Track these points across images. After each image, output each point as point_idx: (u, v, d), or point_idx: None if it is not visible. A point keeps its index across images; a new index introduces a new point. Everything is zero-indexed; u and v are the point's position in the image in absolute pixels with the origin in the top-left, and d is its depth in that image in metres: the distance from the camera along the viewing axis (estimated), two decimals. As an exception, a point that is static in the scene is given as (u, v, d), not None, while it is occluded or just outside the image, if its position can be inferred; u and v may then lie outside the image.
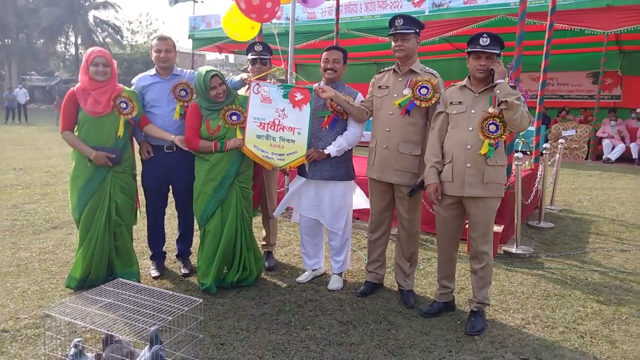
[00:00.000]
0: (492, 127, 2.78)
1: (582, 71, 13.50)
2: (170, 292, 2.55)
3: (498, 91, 2.74)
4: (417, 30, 3.10)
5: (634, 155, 10.89)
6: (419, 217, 3.33)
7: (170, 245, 3.99)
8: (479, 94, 2.86)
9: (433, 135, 3.00)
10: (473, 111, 2.84)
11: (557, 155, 6.04)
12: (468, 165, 2.83)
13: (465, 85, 2.93)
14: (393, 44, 3.14)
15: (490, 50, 2.76)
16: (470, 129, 2.83)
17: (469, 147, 2.83)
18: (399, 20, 3.09)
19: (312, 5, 4.17)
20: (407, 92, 3.10)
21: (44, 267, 3.72)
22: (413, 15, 3.17)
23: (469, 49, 2.86)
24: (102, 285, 2.60)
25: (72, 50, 36.89)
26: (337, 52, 3.35)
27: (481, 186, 2.83)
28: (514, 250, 4.32)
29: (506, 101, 2.70)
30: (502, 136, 2.78)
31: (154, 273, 3.63)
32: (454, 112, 2.90)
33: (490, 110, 2.79)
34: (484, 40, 2.77)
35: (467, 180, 2.84)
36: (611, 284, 3.68)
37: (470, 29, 9.80)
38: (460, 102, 2.89)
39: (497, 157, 2.83)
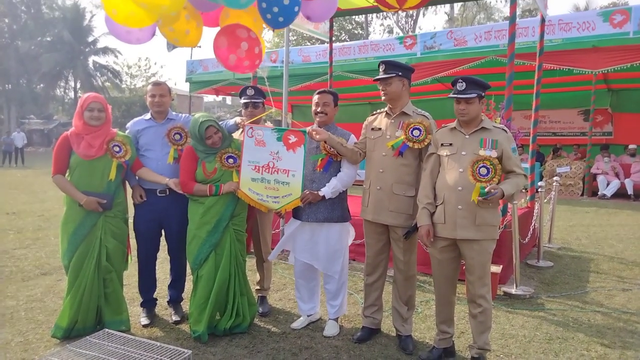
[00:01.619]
0: (483, 170, 2.75)
1: (573, 109, 13.74)
2: (158, 344, 2.46)
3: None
4: (401, 74, 3.13)
5: (629, 191, 10.91)
6: (415, 258, 3.27)
7: (162, 290, 3.88)
8: (469, 136, 2.87)
9: (425, 177, 2.99)
10: (463, 152, 2.84)
11: (553, 193, 6.03)
12: (459, 207, 2.80)
13: (455, 127, 2.94)
14: (379, 88, 3.20)
15: (466, 96, 2.79)
16: (461, 170, 2.81)
17: (460, 188, 2.80)
18: (381, 66, 3.16)
19: (317, 21, 4.25)
20: (399, 133, 3.11)
21: (30, 317, 3.60)
22: (397, 60, 3.24)
23: (450, 94, 2.91)
24: (87, 337, 2.51)
25: (72, 94, 37.46)
26: (327, 96, 3.39)
27: (474, 228, 2.79)
28: (513, 291, 4.23)
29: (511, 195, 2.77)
30: (494, 179, 2.75)
31: (144, 321, 3.51)
32: (445, 153, 2.90)
33: (481, 152, 2.78)
34: (460, 86, 2.83)
35: (458, 222, 2.80)
36: (615, 326, 3.58)
37: (461, 70, 10.03)
38: (450, 144, 2.89)
39: (491, 200, 2.79)
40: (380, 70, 3.16)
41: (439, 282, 3.02)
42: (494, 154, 2.76)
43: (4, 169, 18.45)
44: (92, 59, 36.62)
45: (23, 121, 35.70)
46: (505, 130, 2.87)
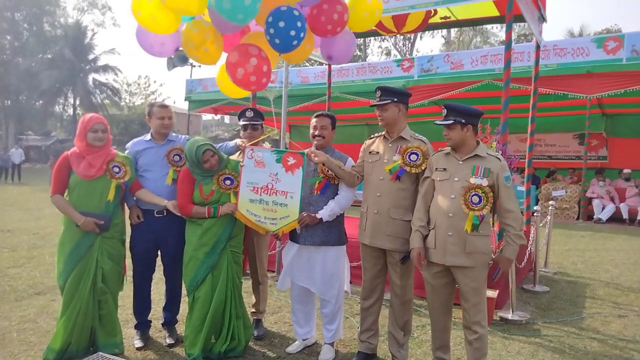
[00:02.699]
0: (475, 199, 2.76)
1: (568, 132, 13.89)
2: (153, 368, 2.43)
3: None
4: (396, 99, 3.17)
5: (625, 216, 10.96)
6: (412, 283, 3.27)
7: (156, 312, 3.85)
8: (462, 162, 2.88)
9: (419, 200, 3.01)
10: (456, 179, 2.85)
11: (549, 216, 6.06)
12: (450, 233, 2.82)
13: (449, 153, 2.96)
14: (377, 113, 3.26)
15: (445, 122, 2.85)
16: (453, 197, 2.82)
17: (450, 215, 2.82)
18: (378, 92, 3.22)
19: (337, 62, 4.34)
20: (397, 158, 3.14)
21: (22, 338, 3.56)
22: (393, 86, 3.28)
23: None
24: (80, 360, 2.48)
25: (70, 111, 37.57)
26: (325, 119, 3.42)
27: (464, 255, 2.80)
28: (510, 316, 4.22)
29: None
30: (486, 207, 2.75)
31: (138, 344, 3.48)
32: (438, 178, 2.93)
33: (472, 181, 2.79)
34: (443, 112, 2.90)
35: (448, 248, 2.82)
36: (611, 353, 3.57)
37: (457, 93, 10.18)
38: (444, 169, 2.92)
39: (481, 227, 2.80)
40: (377, 96, 3.21)
41: (434, 307, 3.01)
42: (485, 182, 2.77)
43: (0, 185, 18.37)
44: (92, 76, 36.87)
45: (21, 137, 35.74)
46: (499, 159, 2.87)
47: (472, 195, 2.76)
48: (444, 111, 2.88)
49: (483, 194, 2.75)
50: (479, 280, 2.84)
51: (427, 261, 2.95)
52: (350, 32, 4.07)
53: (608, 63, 9.31)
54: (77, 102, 36.54)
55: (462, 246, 2.79)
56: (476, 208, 2.75)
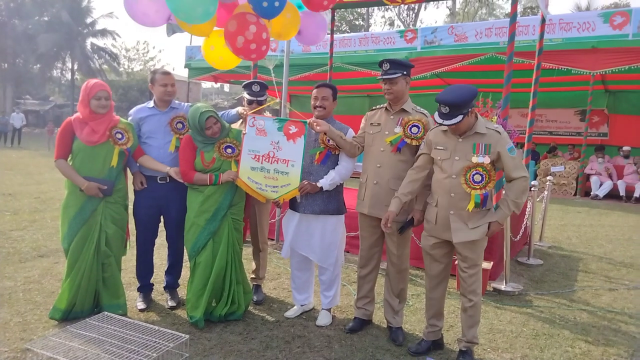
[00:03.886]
0: (477, 177, 2.74)
1: (570, 109, 13.82)
2: (156, 328, 2.52)
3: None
4: (405, 72, 3.17)
5: (622, 193, 11.04)
6: (408, 252, 3.34)
7: (158, 276, 3.94)
8: (462, 139, 2.84)
9: (409, 172, 3.04)
10: (457, 158, 2.82)
11: (546, 192, 6.12)
12: (451, 212, 2.85)
13: (447, 130, 2.91)
14: (383, 86, 3.22)
15: (449, 122, 2.71)
16: (454, 176, 2.82)
17: (452, 194, 2.83)
18: (385, 65, 3.16)
19: (308, 43, 4.26)
20: (398, 130, 3.16)
21: (28, 298, 3.66)
22: (399, 58, 3.24)
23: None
24: (87, 319, 2.57)
25: (68, 76, 37.12)
26: (326, 90, 3.42)
27: (465, 231, 2.83)
28: (503, 287, 4.32)
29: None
30: (489, 185, 2.74)
31: (141, 305, 3.58)
32: (439, 157, 2.90)
33: (474, 159, 2.76)
34: (445, 109, 2.74)
35: (452, 226, 2.86)
36: (599, 324, 3.68)
37: (460, 65, 10.08)
38: (444, 148, 2.88)
39: (486, 204, 2.83)
40: (384, 68, 3.17)
41: (431, 277, 3.09)
42: (487, 160, 2.74)
43: (-1, 149, 18.34)
44: (90, 40, 36.23)
45: (19, 101, 35.42)
46: (499, 132, 2.82)
47: (474, 174, 2.74)
48: (446, 109, 2.70)
49: (485, 172, 2.73)
50: (478, 252, 2.90)
51: (426, 234, 3.01)
52: (322, 15, 3.99)
53: (614, 38, 9.19)
54: (75, 67, 36.07)
55: (465, 223, 2.83)
56: (478, 187, 2.74)
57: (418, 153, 3.06)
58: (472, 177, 2.75)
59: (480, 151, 2.76)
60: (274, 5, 3.19)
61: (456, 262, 3.06)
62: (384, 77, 3.16)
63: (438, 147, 2.91)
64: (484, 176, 2.74)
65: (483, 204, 2.78)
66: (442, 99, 2.73)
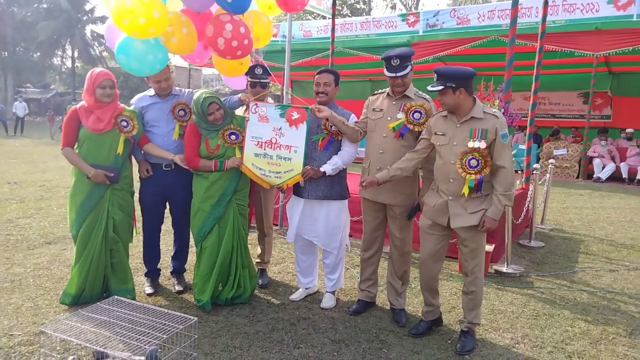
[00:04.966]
0: (473, 162, 2.77)
1: (573, 91, 13.75)
2: (165, 310, 2.58)
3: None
4: (411, 62, 3.17)
5: (624, 175, 11.04)
6: (411, 236, 3.39)
7: (165, 261, 4.01)
8: (460, 124, 2.86)
9: (408, 153, 3.08)
10: (455, 143, 2.85)
11: (548, 175, 6.14)
12: (450, 198, 2.89)
13: (447, 115, 2.94)
14: (393, 81, 3.19)
15: (435, 89, 2.82)
16: (452, 162, 2.85)
17: (451, 180, 2.87)
18: (395, 61, 3.12)
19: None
20: (400, 116, 3.18)
21: (38, 283, 3.74)
22: (403, 49, 3.19)
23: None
24: (98, 303, 2.64)
25: (69, 63, 36.99)
26: (329, 76, 3.44)
27: (466, 216, 2.87)
28: (504, 269, 4.38)
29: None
30: (484, 170, 2.77)
31: (149, 290, 3.65)
32: (438, 143, 2.93)
33: (470, 144, 2.79)
34: (434, 77, 2.85)
35: (451, 212, 2.90)
36: (599, 304, 3.74)
37: (462, 49, 10.02)
38: (443, 134, 2.91)
39: (483, 188, 2.84)
40: (394, 64, 3.13)
41: (425, 256, 3.07)
42: (482, 144, 2.76)
43: (2, 138, 18.39)
44: (89, 27, 36.10)
45: (20, 90, 35.39)
46: (497, 116, 2.83)
47: (470, 159, 2.78)
48: (435, 76, 2.83)
49: (481, 157, 2.76)
50: (479, 237, 2.93)
51: (425, 216, 3.05)
52: None
53: (618, 19, 9.13)
54: (76, 55, 35.93)
55: (464, 209, 2.87)
56: (473, 172, 2.77)
57: (420, 137, 3.09)
58: (468, 162, 2.79)
59: (477, 136, 2.79)
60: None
61: (457, 246, 3.10)
62: (398, 74, 3.13)
63: (437, 133, 2.94)
64: (479, 161, 2.77)
65: (478, 188, 2.81)
66: (435, 68, 2.86)
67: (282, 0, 3.74)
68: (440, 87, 2.79)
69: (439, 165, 2.94)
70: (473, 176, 2.77)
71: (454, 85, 2.77)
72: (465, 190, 2.80)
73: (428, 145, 3.02)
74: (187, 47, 3.40)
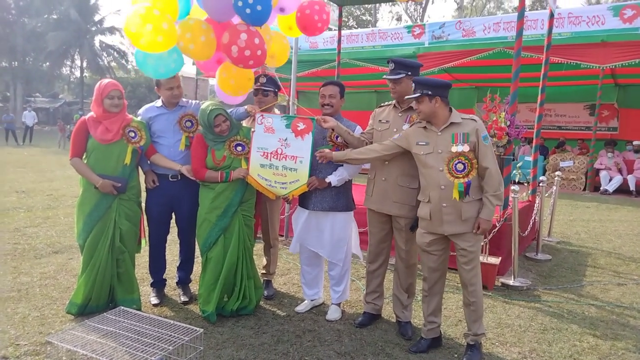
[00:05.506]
0: (460, 166, 2.84)
1: (579, 103, 13.72)
2: (171, 322, 2.59)
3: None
4: (410, 73, 3.19)
5: (631, 187, 10.97)
6: (416, 248, 3.37)
7: (170, 272, 4.02)
8: (440, 132, 2.93)
9: (377, 146, 3.17)
10: (440, 151, 2.91)
11: (555, 187, 6.11)
12: (444, 204, 2.89)
13: (426, 126, 2.99)
14: (388, 84, 3.27)
15: (412, 96, 2.93)
16: (441, 169, 2.89)
17: (442, 187, 2.89)
18: (391, 65, 3.22)
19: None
20: (406, 127, 3.19)
21: (45, 293, 3.75)
22: (407, 59, 3.28)
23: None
24: (104, 314, 2.64)
25: (77, 73, 37.42)
26: (334, 88, 3.47)
27: (460, 223, 2.89)
28: (511, 282, 4.35)
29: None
30: (471, 173, 2.83)
31: (154, 300, 3.65)
32: (422, 152, 2.96)
33: (453, 149, 2.86)
34: (412, 86, 2.98)
35: (444, 219, 2.90)
36: (608, 319, 3.70)
37: (468, 60, 10.05)
38: (426, 143, 2.96)
39: (473, 193, 2.88)
40: (389, 68, 3.22)
41: (428, 273, 3.09)
42: (466, 148, 2.84)
43: (10, 147, 18.56)
44: (98, 38, 36.56)
45: (29, 99, 35.81)
46: (475, 120, 2.92)
47: (456, 164, 2.84)
48: (412, 85, 2.96)
49: (467, 161, 2.83)
50: (477, 243, 2.95)
51: (422, 231, 3.05)
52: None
53: (624, 32, 9.12)
54: (84, 65, 36.35)
55: (458, 214, 2.88)
56: (460, 176, 2.83)
57: (392, 138, 3.13)
58: (455, 167, 2.85)
59: (459, 140, 2.86)
60: (256, 9, 3.21)
61: (456, 257, 3.08)
62: (389, 77, 3.22)
63: (420, 143, 2.99)
64: (465, 165, 2.84)
65: (466, 191, 2.85)
66: (413, 79, 3.01)
67: (302, 24, 3.81)
68: (418, 94, 2.88)
69: (428, 174, 2.96)
70: (461, 180, 2.83)
71: (430, 92, 2.86)
72: (456, 195, 2.84)
73: (395, 148, 3.08)
74: (205, 54, 3.49)
